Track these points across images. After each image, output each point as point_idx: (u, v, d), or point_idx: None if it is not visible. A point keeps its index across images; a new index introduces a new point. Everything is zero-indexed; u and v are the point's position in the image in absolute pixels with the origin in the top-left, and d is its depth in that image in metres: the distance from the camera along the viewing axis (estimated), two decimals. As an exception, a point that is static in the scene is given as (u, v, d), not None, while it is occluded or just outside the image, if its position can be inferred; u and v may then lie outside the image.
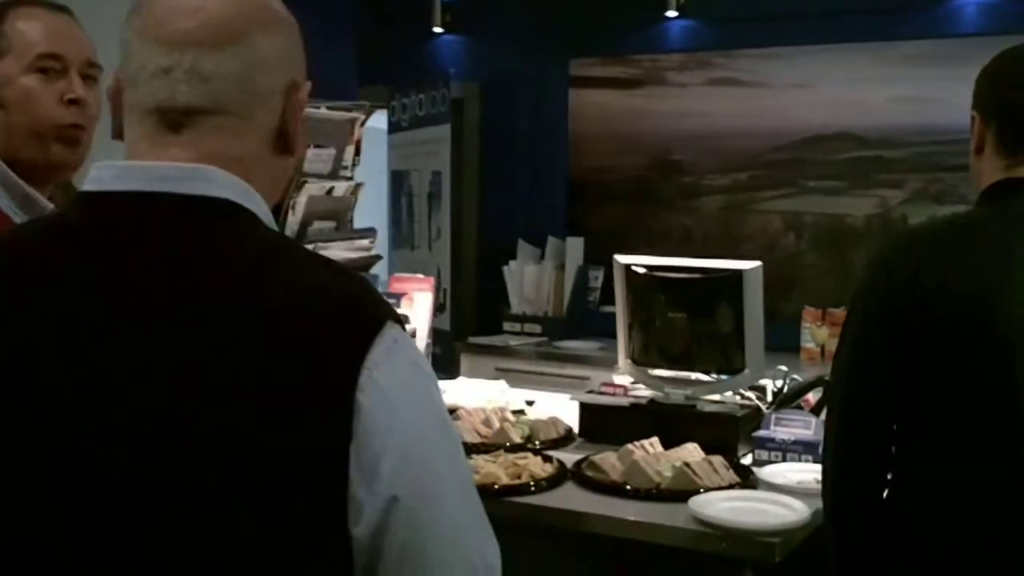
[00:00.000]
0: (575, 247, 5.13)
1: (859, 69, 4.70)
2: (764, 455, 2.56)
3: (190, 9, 1.05)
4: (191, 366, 0.95)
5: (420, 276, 3.60)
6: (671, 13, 4.95)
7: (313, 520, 0.94)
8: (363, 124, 3.44)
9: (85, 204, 1.06)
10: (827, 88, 4.76)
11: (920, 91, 4.61)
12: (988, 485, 1.72)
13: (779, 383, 2.81)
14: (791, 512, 2.14)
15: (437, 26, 5.53)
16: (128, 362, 0.96)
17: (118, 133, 1.12)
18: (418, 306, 3.43)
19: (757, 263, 2.70)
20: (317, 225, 3.22)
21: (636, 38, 5.17)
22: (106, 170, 1.06)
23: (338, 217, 3.56)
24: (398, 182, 5.58)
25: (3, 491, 0.96)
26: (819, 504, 1.95)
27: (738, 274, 2.68)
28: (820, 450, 2.06)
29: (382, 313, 1.01)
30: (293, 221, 3.08)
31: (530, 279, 5.11)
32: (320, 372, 0.96)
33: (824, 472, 1.88)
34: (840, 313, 4.18)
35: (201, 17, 1.05)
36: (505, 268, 5.19)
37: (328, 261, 1.08)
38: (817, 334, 4.48)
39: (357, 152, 3.47)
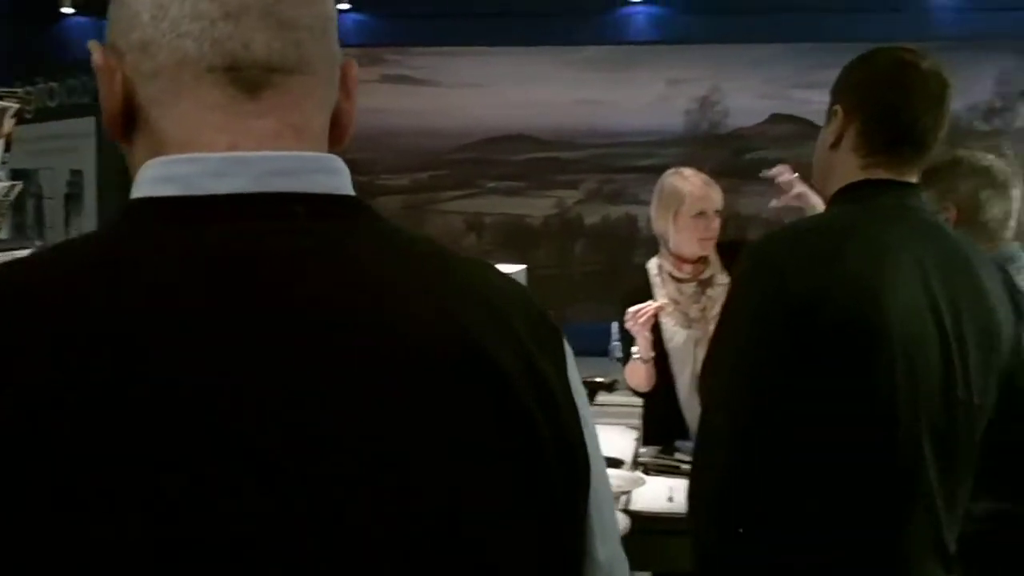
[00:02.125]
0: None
1: (537, 71, 4.83)
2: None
3: None
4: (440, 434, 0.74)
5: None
6: (343, 6, 4.81)
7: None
8: (15, 116, 3.03)
9: (175, 216, 0.75)
10: (506, 89, 4.84)
11: (595, 95, 4.82)
12: (862, 472, 1.77)
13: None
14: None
15: (66, 6, 4.92)
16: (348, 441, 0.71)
17: (122, 127, 0.81)
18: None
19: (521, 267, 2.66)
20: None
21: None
22: (184, 165, 0.76)
23: (-17, 222, 3.11)
24: (22, 182, 4.96)
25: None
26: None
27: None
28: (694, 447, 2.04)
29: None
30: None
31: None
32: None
33: (701, 473, 1.86)
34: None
35: None
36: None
37: (479, 260, 0.87)
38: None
39: (7, 148, 3.07)
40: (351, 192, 0.78)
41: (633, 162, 4.83)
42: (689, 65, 4.77)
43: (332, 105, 0.81)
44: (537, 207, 4.91)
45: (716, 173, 4.12)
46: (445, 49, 4.77)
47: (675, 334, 3.19)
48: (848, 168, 1.86)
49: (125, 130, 0.80)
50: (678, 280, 3.24)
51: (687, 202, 3.17)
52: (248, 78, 0.77)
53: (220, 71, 0.76)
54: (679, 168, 3.32)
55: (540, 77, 4.82)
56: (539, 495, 0.77)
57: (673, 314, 3.20)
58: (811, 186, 2.62)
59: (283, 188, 0.75)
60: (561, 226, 4.87)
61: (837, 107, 1.87)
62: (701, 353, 3.13)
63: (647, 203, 3.46)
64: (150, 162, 0.76)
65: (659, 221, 3.24)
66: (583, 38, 4.76)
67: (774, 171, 3.06)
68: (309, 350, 0.71)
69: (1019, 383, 1.87)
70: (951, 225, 2.34)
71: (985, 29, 4.47)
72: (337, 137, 0.83)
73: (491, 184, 4.90)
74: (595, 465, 0.83)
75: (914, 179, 1.84)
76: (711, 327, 3.13)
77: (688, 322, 3.19)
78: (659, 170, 4.56)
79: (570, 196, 4.89)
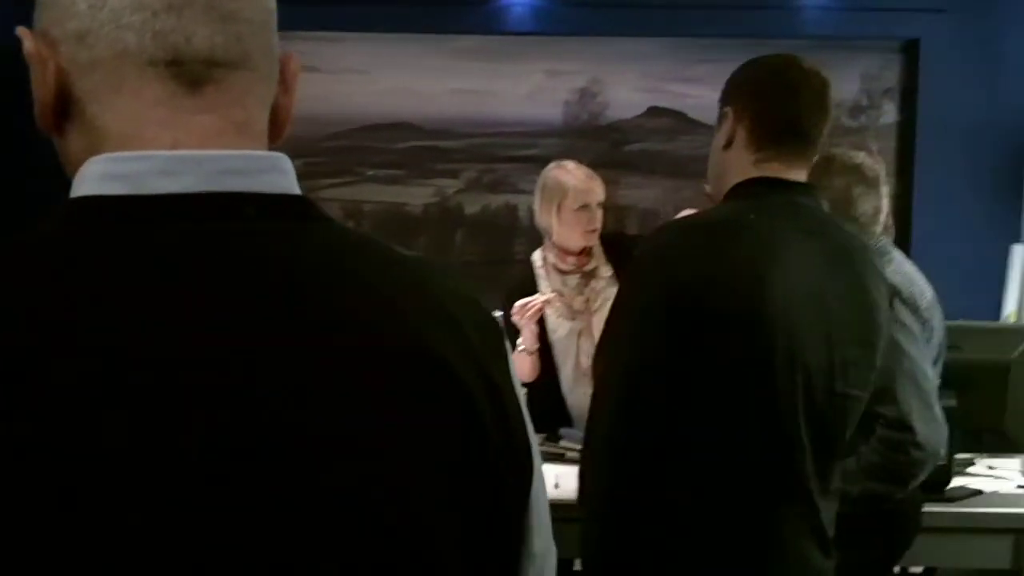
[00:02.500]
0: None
1: (417, 60, 4.81)
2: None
3: None
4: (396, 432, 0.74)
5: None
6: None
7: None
8: None
9: (124, 216, 0.73)
10: (385, 77, 4.81)
11: (474, 84, 4.83)
12: (742, 459, 1.84)
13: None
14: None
15: None
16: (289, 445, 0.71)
17: (55, 119, 0.78)
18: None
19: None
20: None
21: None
22: (132, 163, 0.74)
23: None
24: None
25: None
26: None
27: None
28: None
29: None
30: None
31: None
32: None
33: (593, 455, 1.90)
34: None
35: None
36: None
37: (430, 261, 0.87)
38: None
39: None
40: (299, 192, 0.79)
41: (513, 152, 4.86)
42: (568, 57, 4.82)
43: (272, 100, 0.81)
44: (417, 196, 4.90)
45: (595, 164, 4.21)
46: (325, 35, 4.71)
47: (559, 326, 3.24)
48: (740, 167, 1.92)
49: (58, 121, 0.78)
50: (562, 272, 3.30)
51: (570, 195, 3.22)
52: (190, 72, 0.76)
53: (162, 65, 0.75)
54: (561, 161, 3.37)
55: (420, 66, 4.81)
56: (488, 496, 0.78)
57: (557, 306, 3.24)
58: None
59: (233, 188, 0.74)
60: (441, 215, 4.87)
61: (727, 109, 1.95)
62: (584, 344, 3.21)
63: (527, 193, 3.52)
64: (95, 158, 0.74)
65: (543, 215, 3.28)
66: (464, 27, 4.76)
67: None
68: (260, 351, 0.70)
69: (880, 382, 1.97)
70: (825, 220, 2.44)
71: (850, 30, 4.64)
72: (276, 133, 0.83)
73: (370, 172, 4.87)
74: (536, 464, 0.85)
75: (804, 175, 1.92)
76: (595, 319, 3.25)
77: (572, 314, 3.25)
78: (539, 160, 4.64)
79: (450, 185, 4.89)
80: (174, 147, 0.75)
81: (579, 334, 3.24)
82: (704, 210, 2.04)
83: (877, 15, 4.60)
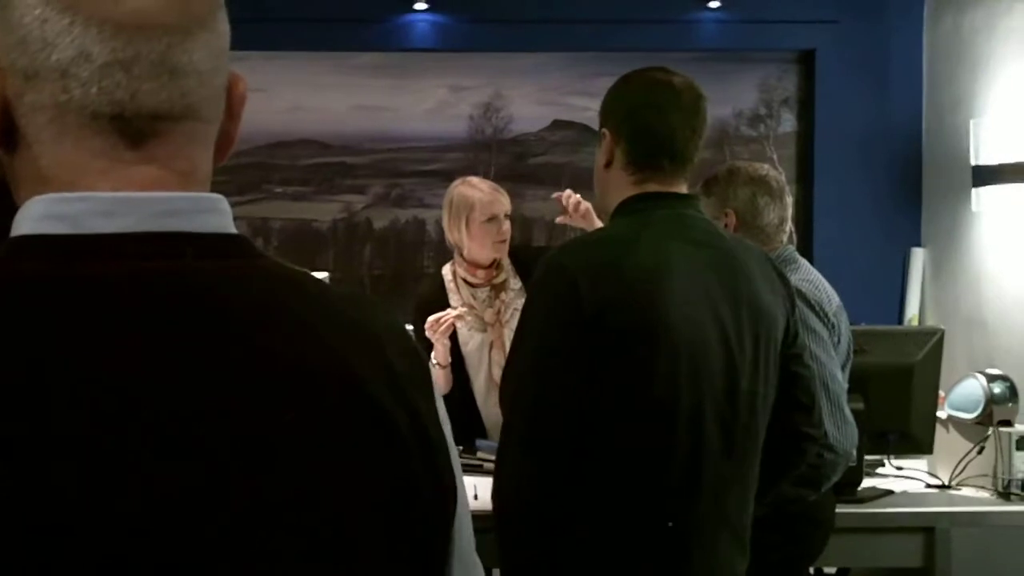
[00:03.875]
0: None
1: (319, 77, 4.78)
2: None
3: None
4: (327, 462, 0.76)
5: None
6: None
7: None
8: None
9: (62, 255, 0.73)
10: (289, 94, 4.76)
11: (378, 100, 4.82)
12: (650, 465, 1.85)
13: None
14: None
15: None
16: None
17: (5, 132, 0.78)
18: None
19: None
20: None
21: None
22: (73, 204, 0.74)
23: None
24: None
25: None
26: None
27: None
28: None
29: None
30: None
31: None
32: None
33: (505, 475, 1.90)
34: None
35: None
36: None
37: (360, 295, 0.91)
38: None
39: None
40: (234, 231, 0.80)
41: (419, 167, 4.86)
42: (471, 73, 4.84)
43: (216, 136, 0.81)
44: (324, 212, 4.87)
45: (500, 177, 4.22)
46: (229, 53, 4.64)
47: (470, 338, 3.25)
48: (622, 185, 1.97)
49: (3, 141, 0.78)
50: (472, 285, 3.31)
51: (477, 208, 3.24)
52: (133, 127, 0.76)
53: (105, 119, 0.75)
54: (466, 177, 3.39)
55: (323, 83, 4.78)
56: (411, 531, 0.79)
57: (468, 319, 3.25)
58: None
59: (171, 228, 0.75)
60: (349, 230, 4.84)
61: (604, 130, 1.99)
62: (496, 355, 3.22)
63: (434, 207, 3.52)
64: (37, 198, 0.75)
65: (452, 231, 3.29)
66: (366, 44, 4.75)
67: (563, 194, 3.24)
68: (190, 392, 0.71)
69: (794, 368, 2.01)
70: (731, 230, 2.49)
71: (747, 42, 4.74)
72: (218, 158, 0.83)
73: (277, 189, 4.82)
74: (460, 495, 0.86)
75: (684, 189, 1.96)
76: (505, 330, 3.25)
77: (483, 326, 3.26)
78: (445, 174, 4.65)
79: (358, 201, 4.87)
80: (115, 192, 0.76)
81: (490, 346, 3.25)
82: (595, 230, 2.09)
83: (773, 27, 4.71)
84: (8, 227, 0.77)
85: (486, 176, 3.38)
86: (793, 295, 2.06)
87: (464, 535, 0.88)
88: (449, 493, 0.83)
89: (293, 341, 0.77)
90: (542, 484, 1.88)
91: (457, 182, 3.35)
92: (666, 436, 1.83)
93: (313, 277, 0.84)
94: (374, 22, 4.74)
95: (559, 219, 3.31)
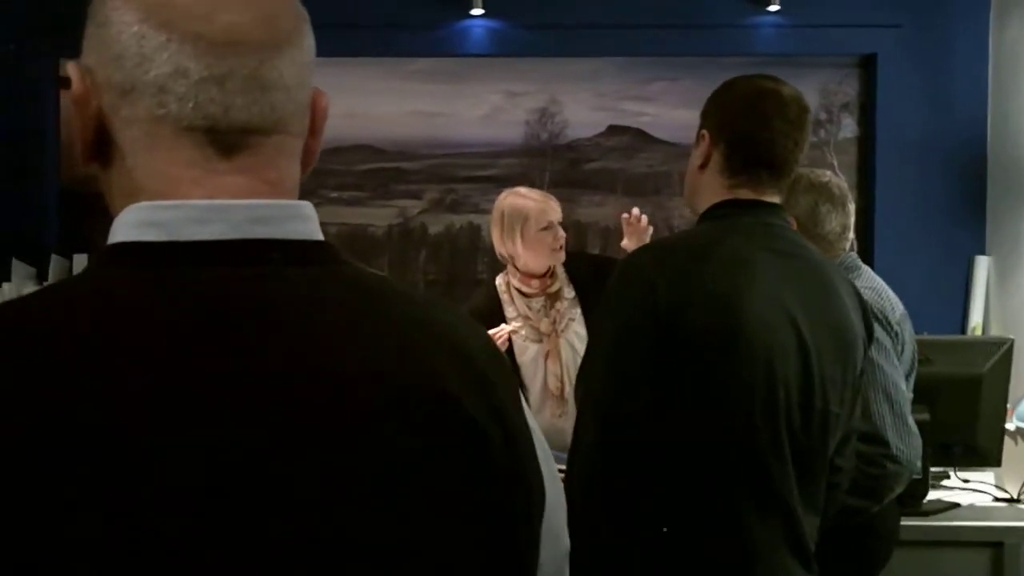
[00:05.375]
0: (82, 264, 4.62)
1: (373, 83, 4.79)
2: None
3: None
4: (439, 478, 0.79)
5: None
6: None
7: None
8: None
9: (158, 261, 0.76)
10: (345, 100, 4.77)
11: (433, 106, 4.82)
12: (722, 475, 1.83)
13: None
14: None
15: None
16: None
17: (92, 155, 0.82)
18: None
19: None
20: None
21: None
22: (167, 211, 0.77)
23: None
24: None
25: None
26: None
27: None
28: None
29: None
30: None
31: (30, 303, 4.51)
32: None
33: (577, 473, 1.88)
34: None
35: (254, 9, 0.80)
36: (-4, 291, 4.54)
37: (439, 301, 0.92)
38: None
39: None
40: (321, 237, 0.83)
41: (473, 172, 4.85)
42: (526, 78, 4.83)
43: (302, 149, 0.86)
44: (380, 217, 4.88)
45: (554, 183, 4.20)
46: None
47: (526, 349, 3.24)
48: (714, 188, 1.95)
49: (97, 156, 0.82)
50: (526, 296, 3.29)
51: (532, 217, 3.23)
52: (226, 140, 0.79)
53: (199, 132, 0.78)
54: (513, 188, 3.38)
55: (378, 89, 4.79)
56: (499, 527, 0.81)
57: (523, 332, 3.24)
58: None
59: (261, 235, 0.77)
60: (403, 236, 4.85)
61: (704, 131, 1.97)
62: (551, 366, 3.20)
63: (488, 212, 3.50)
64: (133, 207, 0.78)
65: (505, 243, 3.28)
66: (422, 50, 4.75)
67: (632, 215, 3.26)
68: (277, 399, 0.73)
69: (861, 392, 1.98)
70: (793, 237, 2.45)
71: (804, 46, 4.68)
72: (301, 171, 0.87)
73: (332, 194, 4.84)
74: (550, 493, 0.87)
75: (776, 199, 1.93)
76: (560, 340, 3.23)
77: (538, 336, 3.25)
78: (500, 180, 4.63)
79: (412, 206, 4.87)
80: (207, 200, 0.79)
81: (545, 356, 3.24)
82: (676, 233, 2.07)
83: (833, 31, 4.64)
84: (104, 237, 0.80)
85: (540, 181, 3.37)
86: (871, 318, 2.02)
87: (555, 544, 0.89)
88: (536, 498, 0.84)
89: (378, 347, 0.78)
90: (614, 484, 1.86)
91: (505, 193, 3.34)
92: (738, 445, 1.81)
93: (395, 282, 0.87)
94: (430, 28, 4.74)
95: (624, 243, 3.32)
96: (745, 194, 1.92)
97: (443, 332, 0.83)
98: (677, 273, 1.83)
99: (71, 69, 0.82)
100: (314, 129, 0.87)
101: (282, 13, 0.83)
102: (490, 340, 0.89)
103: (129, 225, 0.78)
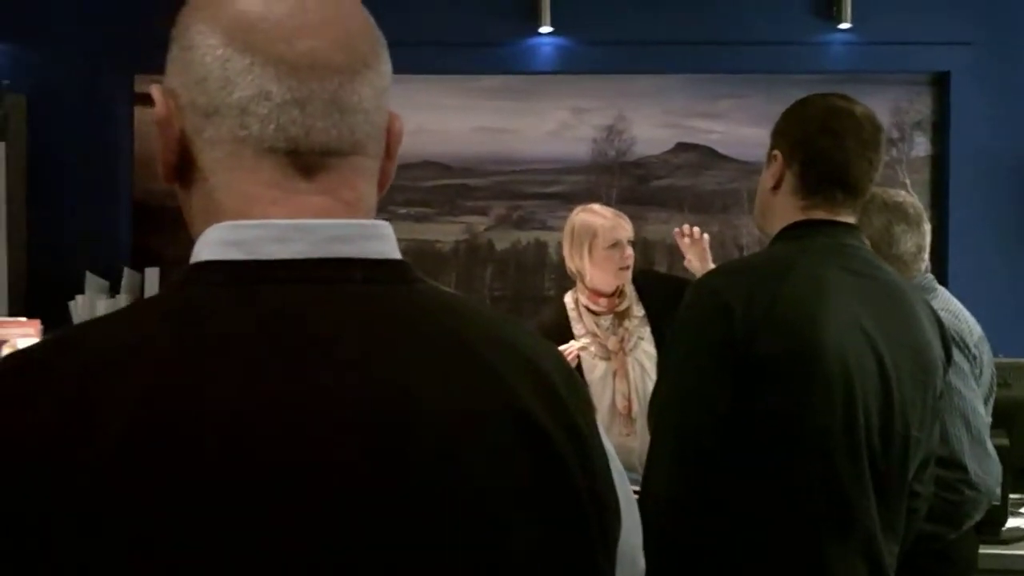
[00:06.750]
0: (153, 278, 4.70)
1: (441, 99, 4.82)
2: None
3: (315, 21, 0.82)
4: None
5: (22, 319, 3.12)
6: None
7: None
8: None
9: (241, 279, 0.78)
10: (411, 116, 4.80)
11: (500, 123, 4.84)
12: (801, 498, 1.80)
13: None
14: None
15: None
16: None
17: (174, 175, 0.84)
18: (25, 353, 2.96)
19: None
20: None
21: (205, 55, 4.86)
22: (249, 230, 0.79)
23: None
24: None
25: None
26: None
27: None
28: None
29: None
30: None
31: (103, 314, 4.59)
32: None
33: (651, 494, 1.87)
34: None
35: (334, 33, 0.82)
36: (71, 303, 4.63)
37: (513, 318, 0.94)
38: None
39: None
40: (399, 256, 0.84)
41: (540, 189, 4.86)
42: (593, 94, 4.83)
43: (378, 171, 0.87)
44: (446, 233, 4.90)
45: (622, 200, 4.18)
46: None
47: (594, 367, 3.22)
48: (788, 209, 1.92)
49: (179, 176, 0.84)
50: (595, 313, 3.28)
51: (600, 234, 3.22)
52: (306, 161, 0.80)
53: (281, 153, 0.80)
54: (587, 204, 3.38)
55: (445, 105, 4.82)
56: (576, 546, 0.81)
57: (592, 349, 3.23)
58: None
59: (340, 254, 0.79)
60: (470, 252, 4.87)
61: (776, 152, 1.94)
62: (619, 385, 3.18)
63: (555, 229, 3.50)
64: (216, 225, 0.80)
65: (574, 259, 3.27)
66: (490, 67, 4.78)
67: (685, 230, 3.26)
68: (359, 416, 0.74)
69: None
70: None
71: (876, 63, 4.62)
72: (377, 192, 0.89)
73: (400, 210, 4.87)
74: (625, 513, 0.87)
75: (852, 219, 1.90)
76: (629, 359, 3.22)
77: (607, 354, 3.23)
78: (566, 197, 4.64)
79: (479, 222, 4.89)
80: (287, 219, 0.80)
81: (614, 375, 3.22)
82: (749, 254, 2.04)
83: (905, 48, 4.58)
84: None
85: (607, 198, 3.36)
86: (949, 340, 1.98)
87: (632, 565, 0.89)
88: (612, 519, 0.85)
89: (461, 370, 0.79)
90: (688, 507, 1.84)
91: (578, 209, 3.34)
92: (816, 468, 1.78)
93: (469, 300, 0.88)
94: (498, 46, 4.76)
95: (687, 261, 3.31)
96: (820, 215, 1.89)
97: (519, 351, 0.84)
98: (751, 296, 1.80)
99: (155, 91, 0.84)
100: (389, 151, 0.89)
101: (361, 38, 0.85)
102: (565, 360, 0.90)
103: (213, 244, 0.79)
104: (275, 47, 0.79)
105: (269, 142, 0.80)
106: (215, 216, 0.81)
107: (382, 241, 0.83)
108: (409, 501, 0.73)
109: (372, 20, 0.87)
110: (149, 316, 0.79)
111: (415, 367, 0.77)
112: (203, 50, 0.80)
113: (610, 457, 0.87)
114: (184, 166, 0.83)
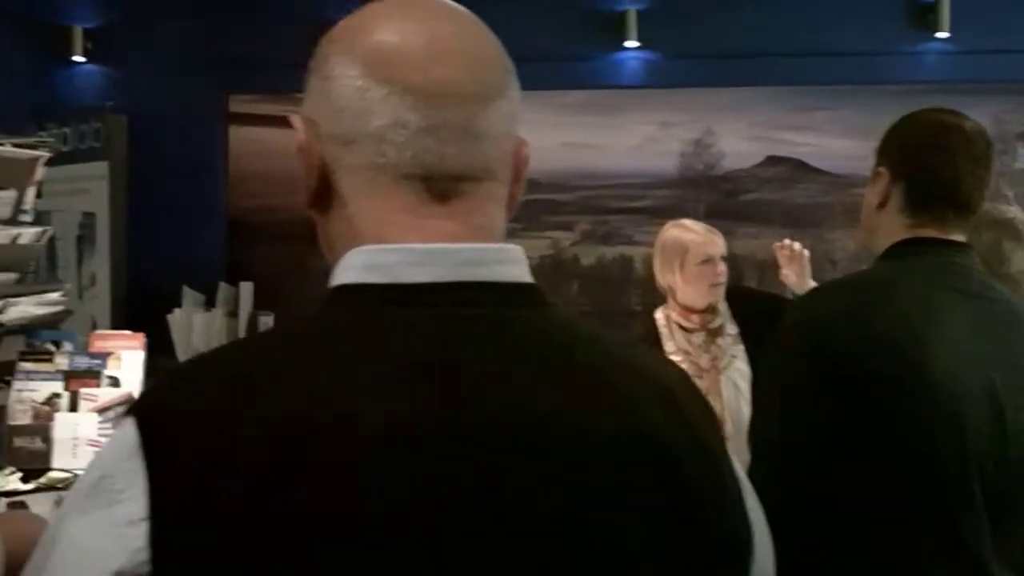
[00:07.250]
0: (247, 292, 4.79)
1: (527, 114, 4.80)
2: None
3: (449, 51, 0.84)
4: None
5: (127, 332, 3.19)
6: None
7: None
8: (46, 163, 3.03)
9: (383, 301, 0.80)
10: (499, 132, 4.83)
11: (586, 138, 4.83)
12: (908, 525, 1.76)
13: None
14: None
15: (77, 54, 5.08)
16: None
17: (315, 201, 0.86)
18: (128, 366, 3.04)
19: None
20: (-2, 278, 2.78)
21: (296, 75, 4.93)
22: (389, 255, 0.81)
23: (20, 268, 3.09)
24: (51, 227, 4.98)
25: None
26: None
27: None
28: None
29: None
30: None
31: (199, 328, 4.70)
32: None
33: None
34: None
35: (466, 62, 0.85)
36: (169, 316, 4.74)
37: (638, 342, 0.97)
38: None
39: (39, 195, 3.06)
40: (531, 280, 0.87)
41: (626, 204, 4.84)
42: (680, 108, 4.80)
43: (507, 195, 0.90)
44: (532, 248, 4.90)
45: (710, 214, 4.14)
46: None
47: (687, 383, 3.18)
48: (894, 227, 1.87)
49: (319, 202, 0.86)
50: (687, 330, 3.24)
51: (692, 250, 3.18)
52: (439, 187, 0.83)
53: (416, 179, 0.82)
54: (678, 220, 3.33)
55: (532, 120, 4.76)
56: (707, 567, 0.81)
57: (683, 363, 3.19)
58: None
59: (474, 277, 0.82)
60: (555, 267, 4.87)
61: (882, 168, 1.89)
62: (712, 403, 3.14)
63: (641, 244, 3.48)
64: (356, 250, 0.82)
65: (665, 274, 3.24)
66: (576, 82, 4.78)
67: (785, 245, 3.20)
68: (499, 437, 0.76)
69: None
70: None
71: (975, 73, 4.52)
72: (506, 216, 0.91)
73: (486, 226, 4.89)
74: (757, 534, 0.88)
75: (961, 237, 1.85)
76: (721, 377, 3.16)
77: (699, 371, 3.19)
78: (653, 211, 4.61)
79: (565, 237, 4.89)
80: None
81: (706, 392, 3.17)
82: (852, 273, 2.00)
83: (1006, 57, 4.47)
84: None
85: (695, 213, 3.33)
86: None
87: None
88: (742, 542, 0.85)
89: (595, 393, 0.80)
90: (785, 529, 1.81)
91: (669, 224, 3.30)
92: (922, 497, 1.73)
93: (594, 325, 0.89)
94: (584, 60, 4.77)
95: (783, 274, 3.26)
96: (929, 233, 1.84)
97: (649, 375, 0.85)
98: (852, 316, 1.76)
99: (295, 120, 0.87)
100: (517, 176, 0.91)
101: (492, 66, 0.88)
102: (692, 383, 0.90)
103: (355, 268, 0.81)
104: (411, 77, 0.82)
105: (405, 169, 0.82)
106: (353, 241, 0.83)
107: (515, 265, 0.85)
108: (545, 523, 0.74)
109: (501, 47, 0.90)
110: (299, 338, 0.81)
111: (548, 392, 0.78)
112: (342, 80, 0.83)
113: (741, 481, 0.88)
114: (323, 192, 0.85)
